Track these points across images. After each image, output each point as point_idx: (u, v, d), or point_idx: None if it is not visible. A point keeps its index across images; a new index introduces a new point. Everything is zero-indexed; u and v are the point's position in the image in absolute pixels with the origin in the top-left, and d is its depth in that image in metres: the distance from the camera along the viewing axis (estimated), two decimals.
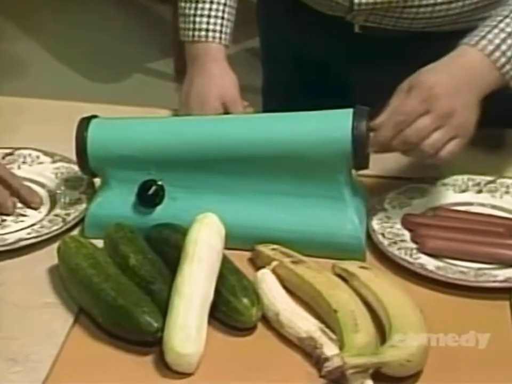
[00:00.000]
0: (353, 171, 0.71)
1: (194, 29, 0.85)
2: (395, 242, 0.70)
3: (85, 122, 0.72)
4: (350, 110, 0.68)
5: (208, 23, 0.85)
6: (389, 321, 0.60)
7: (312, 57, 0.91)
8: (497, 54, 0.70)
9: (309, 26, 0.89)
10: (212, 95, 0.82)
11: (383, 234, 0.71)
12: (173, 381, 0.58)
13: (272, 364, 0.60)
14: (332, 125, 0.68)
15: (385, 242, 0.70)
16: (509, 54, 0.70)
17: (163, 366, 0.59)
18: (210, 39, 0.85)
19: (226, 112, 0.82)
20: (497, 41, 0.70)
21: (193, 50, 0.86)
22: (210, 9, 0.85)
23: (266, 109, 1.00)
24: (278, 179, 0.70)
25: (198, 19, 0.86)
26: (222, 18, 0.85)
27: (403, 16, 0.80)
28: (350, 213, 0.70)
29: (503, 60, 0.70)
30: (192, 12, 0.86)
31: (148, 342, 0.60)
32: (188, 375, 0.59)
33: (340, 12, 0.82)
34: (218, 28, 0.85)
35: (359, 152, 0.67)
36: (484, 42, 0.70)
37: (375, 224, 0.72)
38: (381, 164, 0.74)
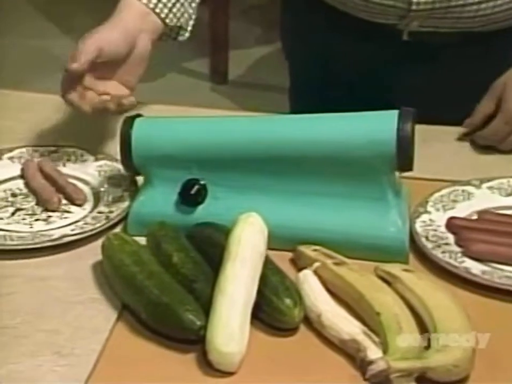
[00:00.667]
0: (397, 173, 0.71)
1: None
2: (439, 246, 0.69)
3: (129, 121, 0.73)
4: (396, 112, 0.67)
5: None
6: (433, 325, 0.59)
7: (349, 63, 0.91)
8: None
9: (350, 34, 0.88)
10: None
11: (426, 237, 0.70)
12: (215, 380, 0.59)
13: (314, 365, 0.60)
14: (377, 126, 0.68)
15: (429, 245, 0.69)
16: None
17: (205, 364, 0.59)
18: None
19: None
20: None
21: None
22: None
23: (294, 111, 1.00)
24: (321, 180, 0.70)
25: None
26: None
27: (463, 15, 0.79)
28: (393, 215, 0.69)
29: None
30: None
31: (190, 340, 0.61)
32: (230, 374, 0.59)
33: (393, 18, 0.81)
34: None
35: (404, 154, 0.67)
36: None
37: (418, 226, 0.71)
38: (425, 165, 0.74)
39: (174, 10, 0.81)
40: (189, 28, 0.86)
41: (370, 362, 0.55)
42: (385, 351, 0.58)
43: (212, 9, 2.12)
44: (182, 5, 0.82)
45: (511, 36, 0.71)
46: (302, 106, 0.97)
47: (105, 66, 0.78)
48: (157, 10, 0.80)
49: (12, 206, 0.77)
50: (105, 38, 0.77)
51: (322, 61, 0.94)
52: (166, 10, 0.81)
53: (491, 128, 0.80)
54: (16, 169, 0.81)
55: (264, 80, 2.30)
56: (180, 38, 0.86)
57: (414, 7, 0.80)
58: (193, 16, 0.85)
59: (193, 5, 0.85)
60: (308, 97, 0.98)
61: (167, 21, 0.81)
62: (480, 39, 0.81)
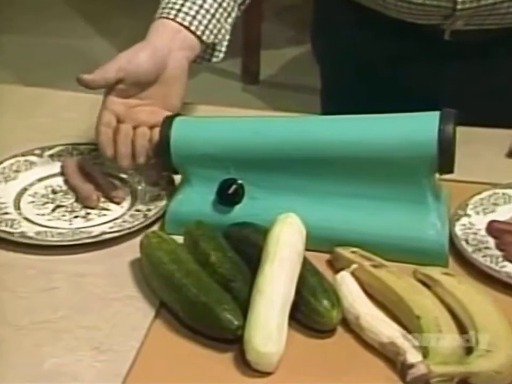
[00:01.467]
0: (437, 175, 0.70)
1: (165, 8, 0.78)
2: (479, 249, 0.68)
3: (168, 121, 0.73)
4: (437, 113, 0.67)
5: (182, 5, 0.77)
6: (475, 330, 0.58)
7: (385, 63, 0.89)
8: None
9: (386, 34, 0.86)
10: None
11: (466, 241, 0.69)
12: (252, 379, 0.59)
13: (351, 367, 0.60)
14: (418, 127, 0.67)
15: (469, 249, 0.68)
16: None
17: (243, 364, 0.59)
18: (172, 17, 0.76)
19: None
20: None
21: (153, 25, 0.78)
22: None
23: (325, 112, 0.99)
24: (359, 181, 0.70)
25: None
26: (201, 6, 0.77)
27: (511, 10, 0.77)
28: (432, 218, 0.69)
29: None
30: None
31: (228, 339, 0.61)
32: (268, 374, 0.59)
33: (437, 18, 0.80)
34: (192, 12, 0.77)
35: (445, 156, 0.66)
36: None
37: (458, 230, 0.70)
38: (465, 168, 0.73)
39: (210, 26, 0.79)
40: (224, 48, 0.83)
41: (411, 366, 0.54)
42: (425, 355, 0.57)
43: (245, 10, 2.12)
44: (218, 21, 0.80)
45: None
46: (334, 108, 0.96)
47: (136, 90, 0.75)
48: (192, 28, 0.78)
49: (52, 202, 0.78)
50: (129, 58, 0.74)
51: (356, 62, 0.93)
52: (202, 27, 0.78)
53: None
54: (56, 167, 0.82)
55: (295, 80, 2.30)
56: (214, 59, 0.83)
57: (459, 6, 0.78)
58: (228, 36, 0.82)
59: (229, 20, 0.82)
60: (341, 99, 0.97)
61: (204, 38, 0.78)
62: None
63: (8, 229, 0.72)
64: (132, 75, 0.74)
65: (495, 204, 0.74)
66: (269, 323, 0.59)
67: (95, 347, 0.62)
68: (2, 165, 0.81)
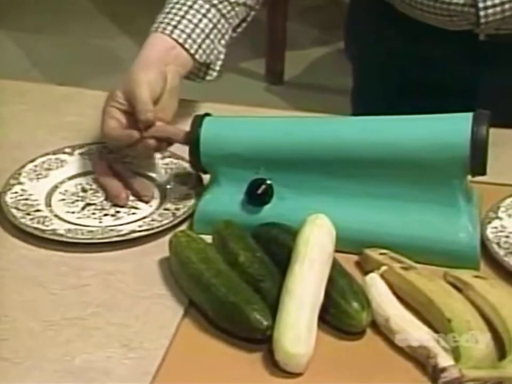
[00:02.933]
0: (469, 177, 0.69)
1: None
2: (511, 253, 0.67)
3: (198, 120, 0.74)
4: (470, 114, 0.66)
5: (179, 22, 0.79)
6: (508, 334, 0.58)
7: (421, 65, 0.89)
8: None
9: (421, 37, 0.86)
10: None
11: (498, 244, 0.68)
12: (281, 380, 0.59)
13: (380, 370, 0.59)
14: (450, 129, 0.67)
15: (501, 252, 0.68)
16: None
17: (272, 364, 0.59)
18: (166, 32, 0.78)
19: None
20: None
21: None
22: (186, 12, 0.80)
23: (356, 113, 0.99)
24: (389, 182, 0.69)
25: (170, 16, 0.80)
26: (196, 25, 0.80)
27: None
28: (463, 220, 0.68)
29: None
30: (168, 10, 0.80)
31: (257, 339, 0.61)
32: (297, 375, 0.59)
33: (466, 26, 0.79)
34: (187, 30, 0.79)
35: (478, 158, 0.65)
36: None
37: (490, 233, 0.70)
38: (497, 170, 0.72)
39: (204, 46, 0.81)
40: (217, 68, 0.85)
41: (443, 370, 0.54)
42: (456, 359, 0.56)
43: (270, 10, 2.12)
44: (212, 41, 0.81)
45: None
46: (364, 108, 0.95)
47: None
48: (187, 45, 0.80)
49: (82, 200, 0.78)
50: (149, 81, 0.75)
51: (391, 63, 0.92)
52: (195, 46, 0.80)
53: None
54: (86, 165, 0.82)
55: (320, 81, 2.29)
56: (208, 78, 0.85)
57: (482, 20, 0.78)
58: (222, 56, 0.84)
59: (223, 42, 0.83)
60: (372, 100, 0.96)
61: (197, 56, 0.80)
62: None
63: (40, 226, 0.73)
64: (153, 96, 0.76)
65: None
66: (298, 324, 0.59)
67: (125, 344, 0.62)
68: (34, 163, 0.82)
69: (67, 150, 0.84)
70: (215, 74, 0.85)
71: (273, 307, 0.61)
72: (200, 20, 0.81)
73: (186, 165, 0.78)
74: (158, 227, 0.73)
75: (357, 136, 0.70)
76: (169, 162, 0.82)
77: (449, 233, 0.68)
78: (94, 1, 2.73)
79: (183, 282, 0.67)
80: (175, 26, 0.80)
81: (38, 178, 0.81)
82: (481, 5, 0.79)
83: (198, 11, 0.81)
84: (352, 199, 0.70)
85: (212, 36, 0.81)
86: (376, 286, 0.64)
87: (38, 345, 0.62)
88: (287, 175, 0.71)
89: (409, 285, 0.64)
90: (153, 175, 0.81)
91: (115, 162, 0.82)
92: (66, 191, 0.80)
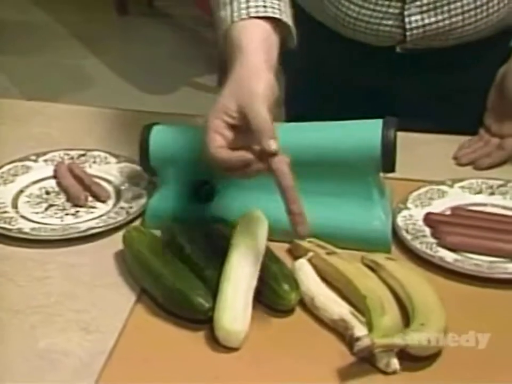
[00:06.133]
0: (381, 174, 0.70)
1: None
2: (417, 237, 0.69)
3: (147, 129, 0.72)
4: (380, 120, 0.67)
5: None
6: (412, 307, 0.58)
7: (346, 73, 0.88)
8: None
9: (347, 50, 0.85)
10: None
11: (406, 230, 0.69)
12: (221, 354, 0.58)
13: (309, 343, 0.59)
14: (364, 133, 0.67)
15: (409, 237, 0.68)
16: None
17: (213, 341, 0.59)
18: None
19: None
20: None
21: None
22: None
23: (289, 119, 0.97)
24: (315, 180, 0.69)
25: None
26: None
27: (450, 37, 0.77)
28: (377, 211, 0.69)
29: None
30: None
31: (200, 320, 0.60)
32: (235, 349, 0.58)
33: (389, 44, 0.80)
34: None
35: (387, 158, 0.66)
36: None
37: (400, 221, 0.70)
38: (405, 168, 0.73)
39: (288, 11, 0.64)
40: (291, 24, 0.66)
41: (357, 339, 0.54)
42: (370, 330, 0.57)
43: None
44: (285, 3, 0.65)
45: (500, 41, 0.68)
46: (295, 115, 0.94)
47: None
48: (284, 19, 0.63)
49: (45, 202, 0.77)
50: (264, 94, 0.59)
51: (316, 71, 0.91)
52: (285, 17, 0.63)
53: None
54: (49, 170, 0.81)
55: None
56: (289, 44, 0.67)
57: (408, 39, 0.78)
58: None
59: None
60: (303, 107, 0.95)
61: (290, 23, 0.64)
62: (471, 48, 0.79)
63: (7, 226, 0.71)
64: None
65: (431, 198, 0.74)
66: (235, 305, 0.59)
67: (83, 328, 0.61)
68: (2, 170, 0.80)
69: (32, 157, 0.82)
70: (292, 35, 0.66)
71: (214, 292, 0.60)
72: None
73: (139, 168, 0.77)
74: (113, 224, 0.71)
75: (287, 140, 0.69)
76: (123, 166, 0.81)
77: (365, 222, 0.68)
78: (66, 26, 2.67)
79: (135, 272, 0.66)
80: (261, 6, 0.62)
81: (5, 183, 0.78)
82: (407, 26, 0.80)
83: None
84: None
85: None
86: (304, 270, 0.64)
87: (5, 332, 0.60)
88: (226, 176, 0.71)
89: (332, 267, 0.65)
90: (109, 177, 0.79)
91: (75, 167, 0.80)
92: (31, 194, 0.78)
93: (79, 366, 0.57)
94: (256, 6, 0.63)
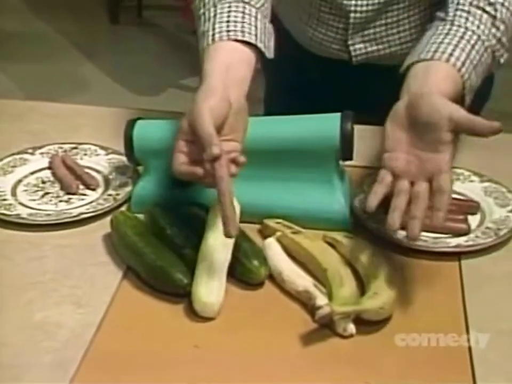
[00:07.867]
0: (341, 162, 0.69)
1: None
2: (372, 217, 0.68)
3: (131, 123, 0.71)
4: (339, 114, 0.66)
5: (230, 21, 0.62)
6: (367, 278, 0.58)
7: (308, 79, 0.88)
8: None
9: (307, 60, 0.85)
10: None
11: (363, 211, 0.69)
12: (199, 324, 0.57)
13: (277, 312, 0.59)
14: (325, 126, 0.66)
15: (364, 216, 0.68)
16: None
17: (191, 312, 0.58)
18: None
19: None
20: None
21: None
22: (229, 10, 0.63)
23: (266, 113, 0.97)
24: (282, 168, 0.68)
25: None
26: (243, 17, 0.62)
27: (392, 62, 0.73)
28: (337, 195, 0.68)
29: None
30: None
31: (180, 294, 0.59)
32: (211, 319, 0.58)
33: (343, 58, 0.80)
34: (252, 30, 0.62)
35: (346, 147, 0.66)
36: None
37: (357, 202, 0.70)
38: (361, 156, 0.73)
39: (260, 33, 0.64)
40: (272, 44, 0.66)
41: (318, 308, 0.54)
42: (330, 299, 0.57)
43: None
44: (264, 26, 0.65)
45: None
46: (274, 110, 0.93)
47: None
48: (252, 41, 0.63)
49: (41, 190, 0.75)
50: (210, 107, 0.58)
51: (290, 74, 0.91)
52: (253, 38, 0.63)
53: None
54: (45, 162, 0.79)
55: None
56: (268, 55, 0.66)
57: (354, 60, 0.79)
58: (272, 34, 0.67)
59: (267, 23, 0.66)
60: (279, 104, 0.94)
61: (260, 45, 0.63)
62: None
63: (6, 212, 0.70)
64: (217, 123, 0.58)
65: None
66: (210, 280, 0.58)
67: (75, 302, 0.59)
68: (2, 162, 0.78)
69: (29, 150, 0.80)
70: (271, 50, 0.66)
71: (192, 268, 0.60)
72: (243, 16, 0.63)
73: (125, 159, 0.75)
74: (102, 209, 0.70)
75: (256, 132, 0.68)
76: (111, 158, 0.79)
77: (327, 205, 0.68)
78: (64, 35, 2.62)
79: (121, 252, 0.65)
80: (228, 31, 0.62)
81: (5, 174, 0.76)
82: (352, 53, 0.80)
83: (236, 11, 0.63)
84: (254, 181, 0.69)
85: (260, 23, 0.64)
86: (272, 247, 0.64)
87: (4, 306, 0.59)
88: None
89: (297, 245, 0.64)
90: (99, 168, 0.78)
91: (68, 159, 0.78)
92: (28, 183, 0.76)
93: (71, 337, 0.56)
94: (235, 31, 0.63)
